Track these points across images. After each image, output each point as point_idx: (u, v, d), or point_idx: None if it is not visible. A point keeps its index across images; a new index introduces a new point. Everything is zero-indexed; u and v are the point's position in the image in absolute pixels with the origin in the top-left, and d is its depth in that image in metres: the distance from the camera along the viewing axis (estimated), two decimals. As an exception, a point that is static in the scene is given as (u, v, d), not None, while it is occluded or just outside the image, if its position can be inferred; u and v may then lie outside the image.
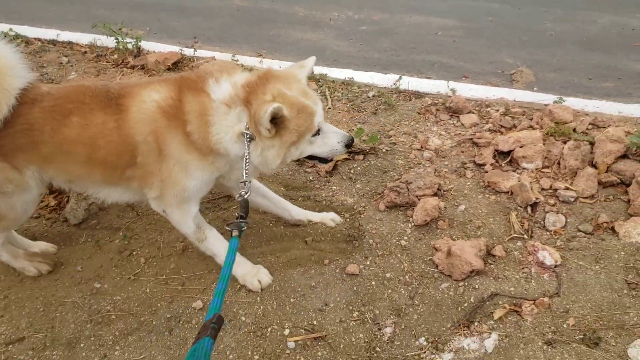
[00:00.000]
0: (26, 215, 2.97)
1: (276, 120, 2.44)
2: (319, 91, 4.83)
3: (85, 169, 2.72)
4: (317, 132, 2.66)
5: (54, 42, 6.27)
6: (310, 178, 3.78)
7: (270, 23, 6.98)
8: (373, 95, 4.72)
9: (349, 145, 2.76)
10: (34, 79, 2.70)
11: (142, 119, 2.55)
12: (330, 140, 2.72)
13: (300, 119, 2.52)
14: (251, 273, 2.97)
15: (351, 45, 6.20)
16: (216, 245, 2.96)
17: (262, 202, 3.33)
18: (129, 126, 2.56)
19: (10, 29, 6.45)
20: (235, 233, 2.07)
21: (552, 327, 2.58)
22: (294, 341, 2.67)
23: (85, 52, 5.95)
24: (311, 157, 2.78)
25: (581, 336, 2.51)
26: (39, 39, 6.38)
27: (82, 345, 2.78)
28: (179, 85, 2.60)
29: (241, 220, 2.24)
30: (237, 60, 5.40)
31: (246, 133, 2.48)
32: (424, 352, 2.58)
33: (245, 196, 2.41)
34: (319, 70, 5.18)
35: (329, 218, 3.36)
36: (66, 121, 2.59)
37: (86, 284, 3.11)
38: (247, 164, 2.48)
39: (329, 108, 4.62)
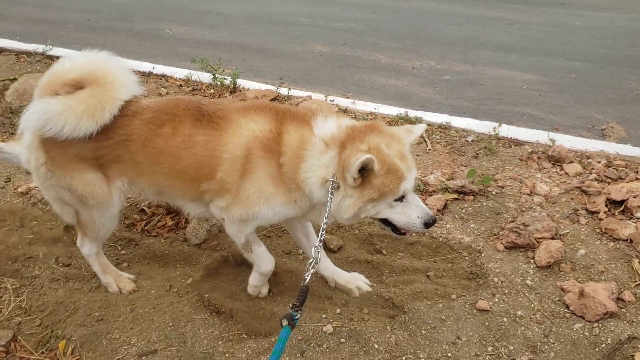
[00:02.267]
0: (104, 230, 3.04)
1: (364, 171, 2.38)
2: (417, 134, 4.93)
3: (168, 180, 2.80)
4: (401, 199, 2.55)
5: (148, 74, 6.55)
6: (422, 215, 3.83)
7: (353, 68, 7.20)
8: (472, 140, 4.80)
9: (428, 224, 2.59)
10: (138, 93, 2.84)
11: (237, 142, 2.60)
12: (411, 212, 2.57)
13: (388, 179, 2.43)
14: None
15: (437, 93, 6.35)
16: (258, 259, 3.04)
17: (302, 239, 3.28)
18: (219, 143, 2.62)
19: (106, 61, 6.76)
20: (285, 323, 1.97)
21: (701, 376, 2.54)
22: (430, 372, 2.68)
23: (181, 86, 6.21)
24: (385, 222, 2.66)
25: None
26: (133, 71, 6.67)
27: (230, 347, 2.85)
28: (282, 118, 2.64)
29: (294, 310, 2.10)
30: (332, 101, 5.56)
31: (332, 181, 2.45)
32: (567, 391, 2.56)
33: (307, 282, 2.28)
34: (413, 113, 5.30)
35: (356, 285, 3.18)
36: (158, 131, 2.69)
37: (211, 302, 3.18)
38: (327, 217, 2.46)
39: (429, 149, 4.71)
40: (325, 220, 2.45)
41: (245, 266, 3.31)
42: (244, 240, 2.94)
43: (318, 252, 2.38)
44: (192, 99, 2.87)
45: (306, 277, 2.29)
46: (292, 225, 3.24)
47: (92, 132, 2.60)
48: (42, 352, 2.94)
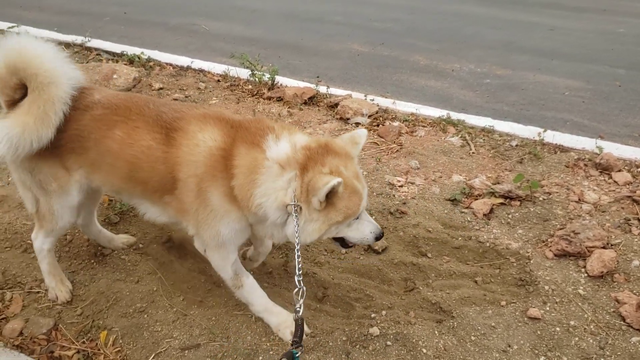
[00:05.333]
0: (62, 222, 2.92)
1: (329, 195, 2.33)
2: (459, 136, 4.85)
3: (127, 184, 2.73)
4: (357, 217, 2.56)
5: (186, 69, 6.56)
6: (468, 219, 3.75)
7: (391, 68, 7.12)
8: (516, 145, 4.70)
9: (378, 238, 2.64)
10: (87, 86, 2.74)
11: (190, 161, 2.50)
12: (364, 228, 2.60)
13: (351, 201, 2.42)
14: (286, 323, 2.87)
15: (478, 96, 6.24)
16: (252, 294, 2.90)
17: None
18: (175, 162, 2.52)
19: (142, 52, 6.79)
20: None
21: None
22: (481, 380, 2.60)
23: (219, 81, 6.20)
24: (335, 238, 2.67)
25: None
26: (171, 64, 6.70)
27: (260, 358, 2.78)
28: (234, 135, 2.52)
29: (294, 347, 2.06)
30: (373, 100, 5.49)
31: (293, 204, 2.37)
32: (626, 407, 2.46)
33: (300, 312, 2.25)
34: (455, 116, 5.21)
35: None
36: (110, 134, 2.59)
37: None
38: (298, 241, 2.39)
39: (472, 153, 4.62)
40: (297, 247, 2.38)
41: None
42: (232, 272, 2.83)
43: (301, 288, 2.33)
44: (147, 100, 2.73)
45: (298, 309, 2.26)
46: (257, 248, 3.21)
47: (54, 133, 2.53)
48: (83, 342, 2.92)
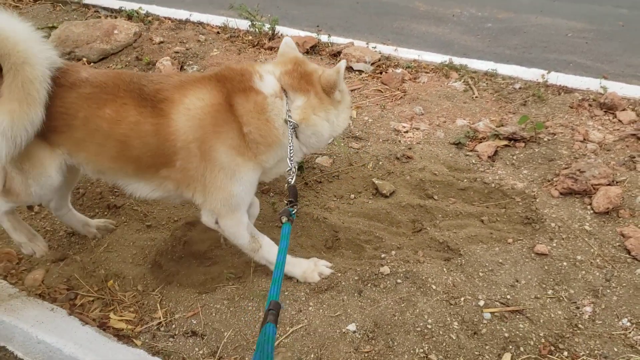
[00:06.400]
0: (41, 200, 2.89)
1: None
2: (462, 81, 4.84)
3: (117, 163, 2.66)
4: None
5: (185, 22, 6.48)
6: (473, 161, 3.79)
7: (391, 15, 7.04)
8: (519, 88, 4.70)
9: None
10: (71, 63, 2.65)
11: (186, 126, 2.50)
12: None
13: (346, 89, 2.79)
14: (310, 269, 2.93)
15: (479, 41, 6.20)
16: (271, 252, 2.86)
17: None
18: (168, 132, 2.50)
19: (140, 7, 6.70)
20: (284, 219, 1.99)
21: None
22: (490, 312, 2.68)
23: (218, 33, 6.14)
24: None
25: None
26: (170, 18, 6.62)
27: (286, 292, 2.88)
28: (221, 88, 2.56)
29: (290, 206, 2.17)
30: (375, 48, 5.46)
31: (289, 121, 2.58)
32: (629, 332, 2.55)
33: (292, 182, 2.42)
34: (457, 61, 5.19)
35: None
36: (100, 113, 2.53)
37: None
38: (291, 152, 2.54)
39: (476, 97, 4.62)
40: (291, 156, 2.56)
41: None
42: (248, 236, 2.82)
43: (294, 170, 2.53)
44: (133, 76, 2.67)
45: (290, 180, 2.45)
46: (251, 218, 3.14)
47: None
48: (101, 289, 3.02)
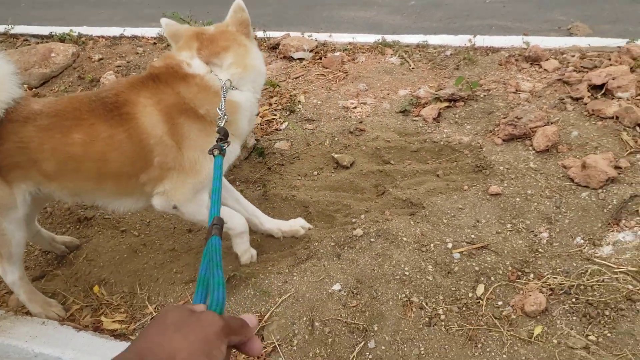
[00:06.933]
0: (15, 241, 2.74)
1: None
2: (397, 55, 5.11)
3: (95, 183, 2.65)
4: None
5: (120, 37, 6.51)
6: (420, 125, 4.04)
7: (319, 6, 7.27)
8: (450, 54, 5.00)
9: None
10: (24, 96, 2.60)
11: (152, 122, 2.55)
12: None
13: None
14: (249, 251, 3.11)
15: (406, 18, 6.50)
16: (229, 221, 2.92)
17: (234, 205, 3.20)
18: (141, 132, 2.54)
19: (71, 30, 6.68)
20: (216, 152, 2.02)
21: (697, 216, 2.85)
22: (459, 252, 2.92)
23: (155, 43, 6.22)
24: None
25: None
26: (103, 37, 6.63)
27: (269, 267, 3.07)
28: (160, 82, 2.61)
29: (222, 142, 2.16)
30: (310, 36, 5.67)
31: (225, 83, 2.65)
32: (584, 248, 2.84)
33: (222, 124, 2.39)
34: (390, 38, 5.46)
35: (299, 225, 3.27)
36: (68, 140, 2.50)
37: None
38: (224, 97, 2.57)
39: (412, 68, 4.90)
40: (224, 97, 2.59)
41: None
42: (207, 212, 2.64)
43: (223, 111, 2.50)
44: (90, 95, 2.67)
45: (220, 123, 2.38)
46: (224, 200, 3.17)
47: None
48: (87, 297, 3.10)
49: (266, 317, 2.78)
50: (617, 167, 3.26)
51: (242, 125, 2.84)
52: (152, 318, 2.91)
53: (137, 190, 2.71)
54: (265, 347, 2.66)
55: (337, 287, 2.84)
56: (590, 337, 2.42)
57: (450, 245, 2.97)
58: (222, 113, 2.45)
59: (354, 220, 3.28)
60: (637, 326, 2.40)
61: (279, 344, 2.65)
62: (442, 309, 2.66)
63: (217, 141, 2.16)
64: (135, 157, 2.57)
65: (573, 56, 4.65)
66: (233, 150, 2.83)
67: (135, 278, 3.20)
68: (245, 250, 3.08)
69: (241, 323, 0.98)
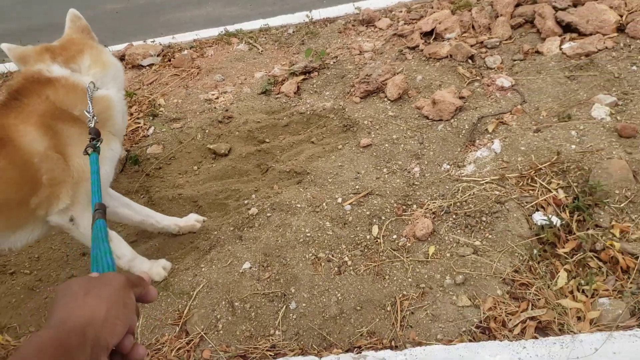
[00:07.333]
0: None
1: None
2: (244, 42, 5.27)
3: None
4: None
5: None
6: (284, 101, 4.25)
7: (154, 13, 7.22)
8: (293, 32, 5.25)
9: None
10: None
11: (31, 140, 2.43)
12: None
13: None
14: (156, 264, 3.08)
15: (242, 9, 6.67)
16: (119, 245, 2.91)
17: (126, 211, 3.16)
18: (22, 153, 2.42)
19: None
20: (90, 151, 2.00)
21: (533, 122, 3.33)
22: (349, 204, 3.17)
23: (-10, 84, 5.86)
24: None
25: (556, 118, 3.28)
26: None
27: (176, 266, 3.12)
28: (27, 92, 2.54)
29: (95, 141, 2.14)
30: (153, 41, 5.66)
31: (89, 85, 2.62)
32: (451, 171, 3.21)
33: (92, 124, 2.30)
34: (232, 28, 5.60)
35: (194, 220, 3.34)
36: None
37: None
38: (90, 99, 2.52)
39: (261, 51, 5.09)
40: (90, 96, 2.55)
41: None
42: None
43: (91, 113, 2.43)
44: None
45: (90, 124, 2.28)
46: (115, 209, 3.11)
47: None
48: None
49: (185, 312, 2.85)
50: (461, 97, 3.69)
51: (118, 121, 2.84)
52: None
53: (30, 218, 2.55)
54: (192, 340, 2.73)
55: (247, 265, 2.97)
56: (476, 243, 2.78)
57: (340, 200, 3.21)
58: (90, 115, 2.37)
59: (246, 201, 3.42)
60: (510, 222, 2.80)
61: (205, 333, 2.74)
62: (347, 255, 2.89)
63: (89, 141, 2.12)
64: (21, 182, 2.44)
65: (401, 12, 5.09)
66: (115, 149, 2.83)
67: (39, 315, 3.10)
68: (149, 267, 3.03)
69: (138, 277, 1.09)
